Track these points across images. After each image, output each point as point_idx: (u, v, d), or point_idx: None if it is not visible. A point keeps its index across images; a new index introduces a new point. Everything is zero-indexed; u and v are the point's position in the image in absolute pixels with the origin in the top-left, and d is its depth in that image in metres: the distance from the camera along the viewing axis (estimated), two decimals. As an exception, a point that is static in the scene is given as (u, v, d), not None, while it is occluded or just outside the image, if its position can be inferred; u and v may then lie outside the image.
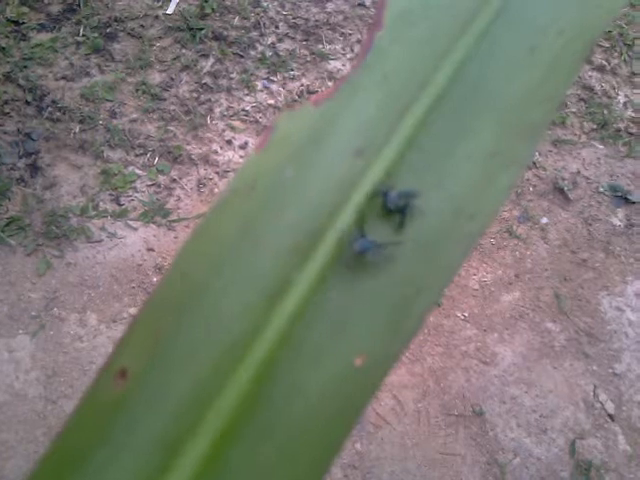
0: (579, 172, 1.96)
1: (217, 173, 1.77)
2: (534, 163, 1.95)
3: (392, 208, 0.26)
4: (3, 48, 1.89)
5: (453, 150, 0.28)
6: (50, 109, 1.80)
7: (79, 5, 2.02)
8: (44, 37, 1.95)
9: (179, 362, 0.23)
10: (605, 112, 2.10)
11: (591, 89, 2.15)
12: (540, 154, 1.98)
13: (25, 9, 1.99)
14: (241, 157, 1.81)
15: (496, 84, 0.29)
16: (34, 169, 1.70)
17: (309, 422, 0.23)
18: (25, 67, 1.87)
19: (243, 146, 1.83)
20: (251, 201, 0.26)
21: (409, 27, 0.31)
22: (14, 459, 1.29)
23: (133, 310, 1.51)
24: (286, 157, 0.27)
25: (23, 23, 1.96)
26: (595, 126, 2.07)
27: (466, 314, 1.63)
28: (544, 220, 1.84)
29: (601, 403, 1.52)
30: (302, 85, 1.98)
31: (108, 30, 2.00)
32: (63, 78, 1.87)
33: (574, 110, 2.10)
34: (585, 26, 0.31)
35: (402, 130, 0.28)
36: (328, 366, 0.23)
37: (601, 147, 2.03)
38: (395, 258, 0.26)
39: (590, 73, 2.21)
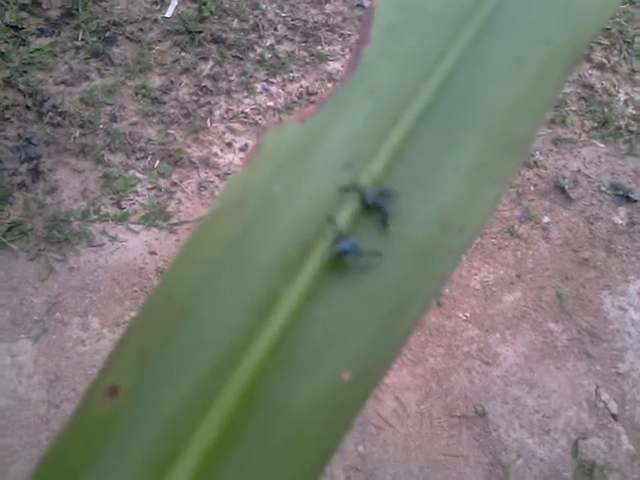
0: (580, 171, 1.95)
1: (218, 176, 1.77)
2: (535, 162, 1.95)
3: (370, 204, 0.26)
4: (3, 53, 1.89)
5: (440, 163, 0.28)
6: (50, 114, 1.81)
7: (78, 10, 2.03)
8: (43, 42, 1.95)
9: (168, 379, 0.23)
10: (605, 110, 2.10)
11: (591, 87, 2.15)
12: (541, 153, 1.98)
13: (24, 14, 1.99)
14: (241, 159, 1.81)
15: (483, 96, 0.29)
16: (35, 174, 1.70)
17: (297, 437, 0.23)
18: (25, 72, 1.87)
19: (243, 148, 1.83)
20: (239, 218, 0.26)
21: (396, 40, 0.31)
22: (18, 464, 1.29)
23: (135, 314, 1.51)
24: (273, 173, 0.27)
25: (22, 28, 1.96)
26: (596, 124, 2.06)
27: (468, 314, 1.63)
28: (545, 219, 1.84)
29: (604, 403, 1.52)
30: (301, 87, 1.98)
31: (107, 34, 2.00)
32: (63, 82, 1.88)
33: (574, 108, 2.09)
34: (571, 36, 0.31)
35: (389, 143, 0.28)
36: (316, 382, 0.24)
37: (602, 145, 2.03)
38: (383, 271, 0.26)
39: (590, 71, 2.20)
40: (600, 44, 2.28)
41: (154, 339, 0.24)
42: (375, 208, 0.27)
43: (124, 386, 0.23)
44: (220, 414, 0.22)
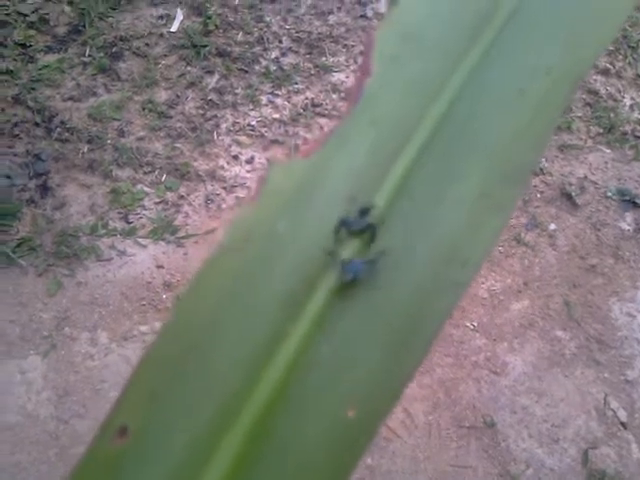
0: (586, 177, 1.95)
1: (224, 188, 1.78)
2: (541, 169, 1.95)
3: (359, 230, 0.27)
4: (11, 71, 1.92)
5: (443, 195, 0.28)
6: (59, 130, 1.83)
7: (84, 26, 2.05)
8: (51, 58, 1.97)
9: (177, 419, 0.23)
10: (611, 115, 2.09)
11: (596, 93, 2.15)
12: (547, 160, 1.97)
13: (32, 32, 2.02)
14: (248, 172, 1.82)
15: (485, 126, 0.30)
16: (44, 190, 1.72)
17: (304, 476, 0.23)
18: (33, 89, 1.90)
19: (249, 161, 1.84)
20: (244, 255, 0.27)
21: (398, 71, 0.31)
22: None
23: (144, 328, 1.53)
24: (278, 209, 0.28)
25: (30, 46, 1.99)
26: (601, 130, 2.06)
27: (475, 323, 1.63)
28: (552, 226, 1.84)
29: (613, 411, 1.51)
30: (307, 98, 1.99)
31: (114, 50, 2.02)
32: (70, 99, 1.90)
33: (580, 115, 2.09)
34: (572, 64, 0.31)
35: (392, 176, 0.29)
36: (322, 419, 0.24)
37: (608, 151, 2.03)
38: (387, 307, 0.26)
39: (595, 77, 2.20)
40: (615, 35, 2.28)
41: (163, 377, 0.24)
42: (364, 230, 0.27)
43: (133, 426, 0.23)
44: (228, 454, 0.23)
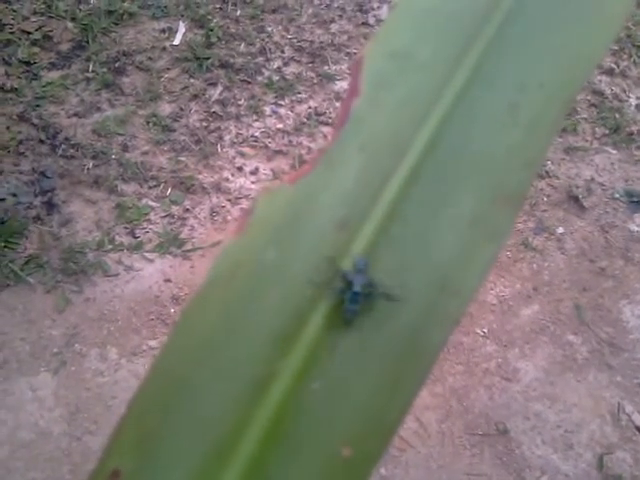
0: (593, 179, 1.94)
1: (229, 200, 1.78)
2: (547, 172, 1.94)
3: (361, 300, 0.26)
4: (16, 89, 1.93)
5: (435, 220, 0.27)
6: (64, 146, 1.84)
7: (88, 42, 2.06)
8: (55, 75, 1.98)
9: (167, 461, 0.23)
10: (617, 116, 2.08)
11: (601, 93, 2.14)
12: (552, 162, 1.96)
13: (36, 49, 2.03)
14: (252, 183, 1.82)
15: (476, 146, 0.29)
16: (50, 206, 1.73)
17: None
18: (38, 106, 1.91)
19: (254, 172, 1.84)
20: (232, 289, 0.26)
21: (386, 91, 0.30)
22: (41, 498, 1.30)
23: (153, 343, 1.53)
24: (266, 239, 0.27)
25: (34, 63, 2.00)
26: (607, 131, 2.05)
27: (485, 330, 1.62)
28: (560, 230, 1.83)
29: (628, 415, 1.50)
30: (310, 107, 1.99)
31: (117, 64, 2.03)
32: (75, 115, 1.91)
33: (585, 116, 2.08)
34: (565, 78, 0.30)
35: (383, 201, 0.28)
36: (316, 458, 0.24)
37: (614, 152, 2.01)
38: (378, 342, 0.26)
39: (599, 77, 2.19)
40: (609, 49, 2.27)
41: (153, 420, 0.24)
42: (366, 296, 0.26)
43: (125, 470, 0.23)
44: None
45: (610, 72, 2.20)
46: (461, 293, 0.26)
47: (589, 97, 2.13)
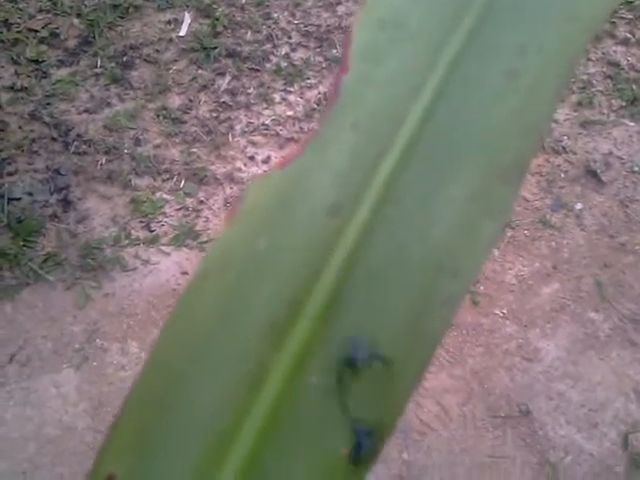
0: (611, 153, 1.90)
1: (243, 190, 1.78)
2: (563, 147, 1.90)
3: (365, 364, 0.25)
4: (26, 88, 1.94)
5: (432, 198, 0.26)
6: (76, 143, 1.84)
7: (94, 37, 2.06)
8: (64, 72, 1.99)
9: (163, 462, 0.23)
10: (634, 87, 2.03)
11: (617, 65, 2.09)
12: (569, 137, 1.93)
13: (44, 47, 2.03)
14: (265, 172, 1.81)
15: (474, 118, 0.27)
16: (66, 204, 1.74)
17: None
18: (49, 104, 1.92)
19: (266, 160, 1.84)
20: (223, 281, 0.25)
21: (377, 65, 0.29)
22: (70, 492, 1.33)
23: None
24: (257, 228, 0.26)
25: (43, 61, 2.00)
26: (624, 103, 2.00)
27: (505, 311, 1.60)
28: (578, 206, 1.80)
29: (653, 392, 1.48)
30: (319, 93, 1.98)
31: (124, 58, 2.03)
32: (86, 111, 1.91)
33: (600, 89, 2.03)
34: (565, 42, 0.29)
35: (377, 181, 0.26)
36: (315, 456, 0.23)
37: (632, 124, 1.97)
38: (375, 331, 0.25)
39: (614, 48, 2.14)
40: (623, 18, 2.21)
41: (146, 420, 0.24)
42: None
43: (120, 473, 0.23)
44: None
45: (625, 42, 2.15)
46: (461, 274, 0.25)
47: (604, 69, 2.08)
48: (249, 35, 2.10)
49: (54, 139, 1.85)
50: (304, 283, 0.25)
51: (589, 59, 2.10)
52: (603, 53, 2.12)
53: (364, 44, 0.29)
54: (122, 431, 0.24)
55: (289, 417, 0.23)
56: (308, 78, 2.01)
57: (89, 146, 1.84)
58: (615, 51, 2.12)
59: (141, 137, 1.87)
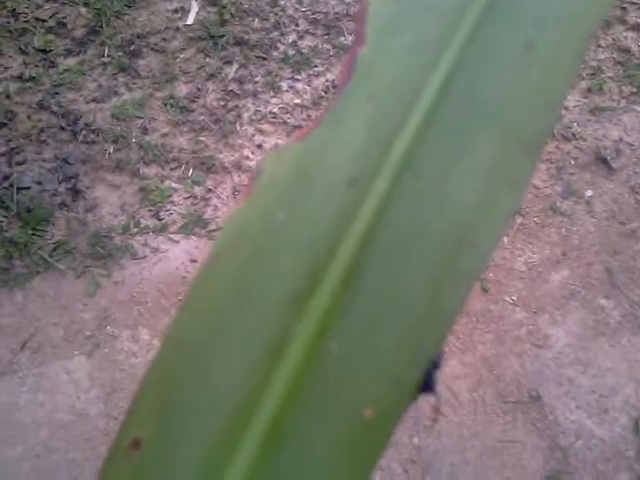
0: (621, 139, 1.89)
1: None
2: (573, 134, 1.89)
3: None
4: (34, 77, 1.94)
5: (450, 169, 0.26)
6: (84, 132, 1.85)
7: (101, 26, 2.06)
8: (71, 62, 1.99)
9: (188, 428, 0.23)
10: (644, 73, 2.01)
11: (627, 51, 2.07)
12: (579, 124, 1.91)
13: (51, 37, 2.03)
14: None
15: (492, 89, 0.27)
16: (74, 193, 1.74)
17: (323, 478, 0.22)
18: (56, 93, 1.92)
19: (273, 149, 1.83)
20: (242, 254, 0.25)
21: (393, 38, 0.29)
22: (82, 477, 1.34)
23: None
24: (275, 201, 0.26)
25: (50, 50, 2.00)
26: (635, 89, 1.99)
27: (515, 297, 1.60)
28: (588, 193, 1.79)
29: (664, 378, 1.47)
30: (327, 81, 1.97)
31: (132, 47, 2.02)
32: (93, 100, 1.91)
33: (611, 75, 2.02)
34: (583, 12, 0.28)
35: (395, 153, 0.26)
36: (337, 420, 0.23)
37: (643, 110, 1.95)
38: (397, 300, 0.25)
39: (625, 33, 2.12)
40: (634, 4, 2.19)
41: (170, 387, 0.24)
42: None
43: (146, 438, 0.23)
44: (243, 461, 0.22)
45: (636, 28, 2.13)
46: (480, 246, 0.25)
47: (614, 55, 2.06)
48: (256, 23, 2.10)
49: (62, 128, 1.86)
50: (324, 255, 0.25)
51: (599, 45, 2.08)
52: (613, 39, 2.10)
53: (379, 17, 0.29)
54: (146, 398, 0.24)
55: (310, 382, 0.23)
56: (316, 66, 2.01)
57: (97, 135, 1.84)
58: (626, 37, 2.10)
59: (149, 126, 1.87)
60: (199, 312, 0.25)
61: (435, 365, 0.24)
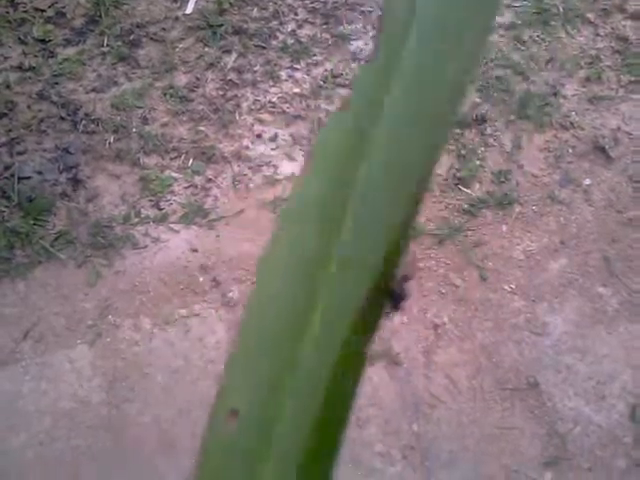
0: (619, 128, 1.89)
1: (250, 168, 1.78)
2: (571, 123, 1.90)
3: None
4: (34, 67, 1.94)
5: None
6: (84, 122, 1.85)
7: (100, 16, 2.05)
8: (71, 52, 1.99)
9: (278, 394, 0.24)
10: (643, 62, 2.02)
11: (625, 39, 2.07)
12: (577, 113, 1.92)
13: (50, 26, 2.03)
14: (272, 150, 1.82)
15: None
16: (75, 182, 1.75)
17: None
18: (56, 83, 1.92)
19: (273, 138, 1.84)
20: (307, 223, 0.25)
21: None
22: (86, 464, 1.35)
23: (184, 311, 1.55)
24: (337, 167, 0.26)
25: (50, 40, 2.00)
26: (633, 78, 1.99)
27: (513, 286, 1.61)
28: (586, 182, 1.79)
29: (660, 365, 1.49)
30: (326, 70, 1.97)
31: (131, 37, 2.02)
32: (93, 90, 1.91)
33: (609, 63, 2.02)
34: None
35: None
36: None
37: (641, 99, 1.96)
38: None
39: (624, 22, 2.12)
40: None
41: (255, 356, 0.24)
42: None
43: (242, 409, 0.24)
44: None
45: (635, 16, 2.12)
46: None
47: (612, 44, 2.06)
48: (255, 12, 2.09)
49: (62, 118, 1.86)
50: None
51: (598, 34, 2.08)
52: (612, 28, 2.10)
53: None
54: (237, 369, 0.25)
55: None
56: (314, 55, 2.01)
57: (97, 125, 1.85)
58: (624, 25, 2.10)
59: (149, 116, 1.87)
60: (267, 285, 0.25)
61: (406, 277, 0.26)
